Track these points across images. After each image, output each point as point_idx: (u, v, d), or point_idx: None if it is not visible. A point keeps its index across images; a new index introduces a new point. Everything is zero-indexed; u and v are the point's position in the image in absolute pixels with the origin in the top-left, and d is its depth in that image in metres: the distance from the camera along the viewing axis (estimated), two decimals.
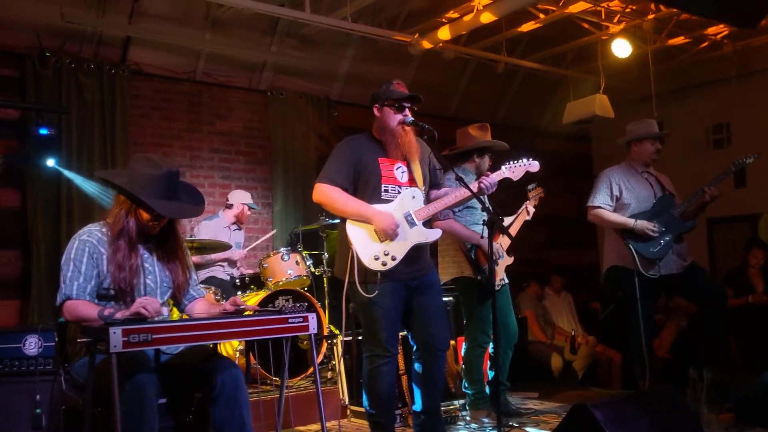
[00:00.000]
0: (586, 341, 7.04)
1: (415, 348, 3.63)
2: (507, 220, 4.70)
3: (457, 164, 4.53)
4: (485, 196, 4.12)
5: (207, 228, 5.91)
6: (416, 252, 3.51)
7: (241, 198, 6.11)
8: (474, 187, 3.57)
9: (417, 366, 3.63)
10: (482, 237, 4.43)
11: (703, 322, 4.80)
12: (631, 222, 4.58)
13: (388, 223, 3.39)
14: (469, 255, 4.46)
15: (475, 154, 4.60)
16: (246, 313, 3.03)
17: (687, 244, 4.77)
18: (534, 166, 3.78)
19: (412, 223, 3.50)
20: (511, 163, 3.74)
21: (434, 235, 3.57)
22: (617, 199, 4.69)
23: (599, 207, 4.70)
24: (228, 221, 6.07)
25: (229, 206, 6.09)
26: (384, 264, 3.41)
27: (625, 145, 4.88)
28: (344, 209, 3.49)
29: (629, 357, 4.94)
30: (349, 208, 3.48)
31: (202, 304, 3.16)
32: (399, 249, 3.44)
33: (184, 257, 3.13)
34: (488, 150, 4.62)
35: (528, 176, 3.86)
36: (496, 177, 3.63)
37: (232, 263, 5.96)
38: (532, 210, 4.77)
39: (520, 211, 4.76)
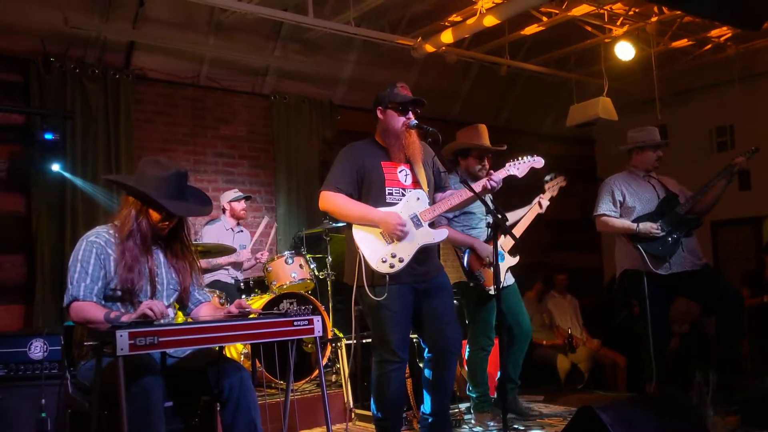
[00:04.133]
0: (583, 342, 7.03)
1: (426, 350, 3.62)
2: (519, 212, 4.68)
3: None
4: (489, 198, 4.13)
5: (210, 232, 5.92)
6: (423, 254, 3.51)
7: (226, 198, 6.15)
8: (480, 186, 3.57)
9: (427, 371, 3.61)
10: (487, 239, 4.45)
11: (718, 326, 4.77)
12: (633, 226, 4.59)
13: (395, 224, 3.39)
14: (462, 261, 4.46)
15: (459, 156, 4.59)
16: (251, 316, 3.04)
17: (698, 244, 4.76)
18: (538, 162, 3.82)
19: (418, 225, 3.50)
20: (516, 160, 3.76)
21: (441, 235, 3.57)
22: (621, 204, 4.71)
23: (604, 215, 4.73)
24: (230, 224, 6.09)
25: (224, 210, 6.12)
26: (392, 266, 3.41)
27: (627, 153, 4.89)
28: (350, 215, 3.50)
29: (640, 360, 4.93)
30: (355, 214, 3.49)
31: (207, 308, 3.16)
32: (406, 251, 3.44)
33: (192, 260, 3.13)
34: (470, 152, 4.56)
35: (537, 171, 3.87)
36: (500, 175, 3.64)
37: (238, 265, 5.96)
38: (545, 203, 4.71)
39: (532, 203, 4.72)
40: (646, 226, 4.56)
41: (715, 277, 4.77)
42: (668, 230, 4.57)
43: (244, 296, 5.63)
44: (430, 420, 3.62)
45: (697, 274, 4.63)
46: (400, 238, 3.42)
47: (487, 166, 4.53)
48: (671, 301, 4.96)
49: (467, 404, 4.81)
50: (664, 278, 4.54)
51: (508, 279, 4.65)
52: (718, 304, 4.69)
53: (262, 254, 6.03)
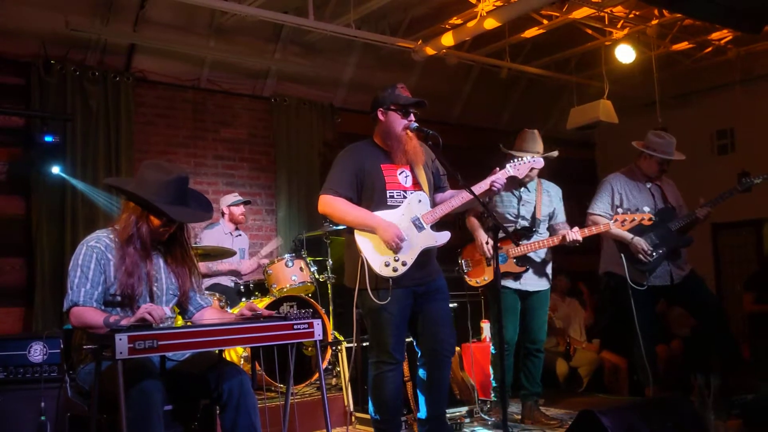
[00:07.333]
0: (583, 346, 7.00)
1: (419, 354, 3.62)
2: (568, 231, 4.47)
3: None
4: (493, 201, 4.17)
5: (209, 236, 5.91)
6: (425, 257, 3.51)
7: (225, 202, 6.14)
8: (485, 185, 3.57)
9: (422, 372, 3.62)
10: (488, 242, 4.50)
11: (708, 333, 4.80)
12: (628, 236, 4.59)
13: (392, 236, 3.39)
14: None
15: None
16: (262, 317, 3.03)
17: (686, 252, 4.76)
18: (538, 162, 3.86)
19: (420, 227, 3.50)
20: (516, 161, 3.77)
21: (443, 238, 3.57)
22: (618, 207, 4.69)
23: (598, 215, 4.71)
24: (229, 228, 6.08)
25: (223, 213, 6.12)
26: (395, 270, 3.41)
27: (636, 149, 4.86)
28: (350, 219, 3.50)
29: (634, 363, 4.96)
30: (354, 219, 3.48)
31: (211, 312, 3.16)
32: (409, 254, 3.44)
33: (191, 264, 3.13)
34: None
35: None
36: (502, 176, 3.64)
37: (237, 273, 5.94)
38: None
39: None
40: (639, 243, 4.55)
41: (695, 285, 4.76)
42: (656, 244, 4.57)
43: (243, 299, 5.61)
44: (427, 425, 3.61)
45: (679, 284, 4.65)
46: (395, 251, 3.41)
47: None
48: (656, 304, 4.99)
49: (467, 407, 4.83)
50: (645, 287, 4.56)
51: (533, 285, 4.59)
52: (697, 314, 4.75)
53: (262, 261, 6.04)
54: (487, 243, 4.49)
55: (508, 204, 4.56)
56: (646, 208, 4.53)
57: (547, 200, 4.63)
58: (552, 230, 4.61)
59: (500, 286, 3.80)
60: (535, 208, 4.57)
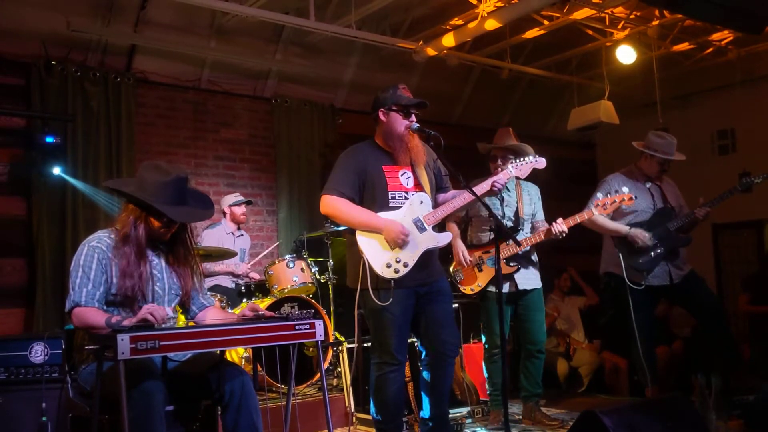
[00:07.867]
0: (584, 347, 7.00)
1: (423, 355, 3.62)
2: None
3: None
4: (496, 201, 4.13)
5: (210, 236, 5.91)
6: (427, 258, 3.51)
7: (227, 202, 6.16)
8: (486, 186, 3.58)
9: (425, 373, 3.62)
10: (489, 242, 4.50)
11: (708, 334, 4.82)
12: (624, 229, 4.59)
13: (398, 232, 3.39)
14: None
15: (490, 160, 4.68)
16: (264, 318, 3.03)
17: (685, 252, 4.77)
18: (540, 162, 3.84)
19: (422, 228, 3.50)
20: (518, 161, 3.77)
21: (445, 239, 3.57)
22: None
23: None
24: (230, 228, 6.09)
25: (225, 213, 6.12)
26: (396, 271, 3.41)
27: (637, 149, 4.86)
28: (353, 220, 3.50)
29: (633, 363, 4.96)
30: (357, 219, 3.48)
31: (214, 312, 3.17)
32: (410, 255, 3.45)
33: (194, 264, 3.13)
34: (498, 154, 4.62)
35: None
36: (503, 176, 3.64)
37: (235, 276, 5.95)
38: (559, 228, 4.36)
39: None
40: (637, 232, 4.54)
41: (695, 285, 4.76)
42: (654, 243, 4.57)
43: (245, 300, 5.62)
44: (430, 425, 3.62)
45: (678, 284, 4.65)
46: (402, 247, 3.41)
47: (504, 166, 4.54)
48: (655, 305, 4.99)
49: (468, 408, 4.83)
50: (643, 287, 4.56)
51: (524, 283, 4.58)
52: (697, 314, 4.76)
53: (253, 270, 6.07)
54: (483, 248, 4.52)
55: (491, 206, 4.53)
56: (625, 188, 4.53)
57: (527, 199, 4.64)
58: (533, 229, 4.62)
59: (501, 287, 3.77)
60: (517, 207, 4.58)
